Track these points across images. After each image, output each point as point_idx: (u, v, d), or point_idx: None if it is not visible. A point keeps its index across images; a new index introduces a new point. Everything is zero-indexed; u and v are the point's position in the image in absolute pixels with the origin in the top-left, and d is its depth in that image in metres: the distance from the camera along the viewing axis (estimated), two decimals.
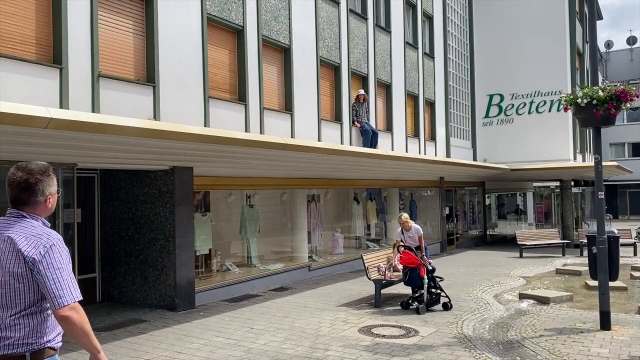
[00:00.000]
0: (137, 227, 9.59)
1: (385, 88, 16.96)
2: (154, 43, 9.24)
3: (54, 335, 2.56)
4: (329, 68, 14.19)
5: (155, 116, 9.18)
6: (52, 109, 6.36)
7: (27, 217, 2.57)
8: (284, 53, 12.59)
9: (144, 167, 9.15)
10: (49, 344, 2.52)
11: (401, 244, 9.68)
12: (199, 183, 9.72)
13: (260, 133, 11.47)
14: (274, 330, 7.68)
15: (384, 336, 7.34)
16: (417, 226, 10.10)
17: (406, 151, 17.67)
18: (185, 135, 8.03)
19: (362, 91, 14.94)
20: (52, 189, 2.65)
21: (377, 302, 9.37)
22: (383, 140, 16.45)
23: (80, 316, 2.46)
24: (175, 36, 9.63)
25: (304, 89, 12.97)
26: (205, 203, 10.93)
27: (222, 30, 10.90)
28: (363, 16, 15.68)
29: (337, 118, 14.39)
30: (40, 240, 2.49)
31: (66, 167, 7.98)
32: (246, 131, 11.13)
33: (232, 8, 10.92)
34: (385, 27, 16.88)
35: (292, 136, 12.42)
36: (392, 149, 16.78)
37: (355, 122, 14.76)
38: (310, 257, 13.26)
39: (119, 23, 8.87)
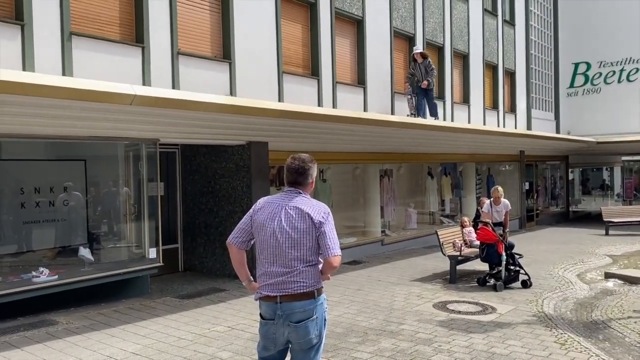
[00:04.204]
0: (215, 200, 9.94)
1: (462, 58, 16.35)
2: (229, 19, 9.39)
3: (321, 280, 3.42)
4: (403, 39, 13.85)
5: (232, 92, 9.39)
6: (136, 86, 6.67)
7: (302, 193, 3.41)
8: (357, 25, 12.41)
9: (222, 142, 9.41)
10: (321, 285, 3.39)
11: (480, 220, 9.45)
12: (274, 157, 9.87)
13: (333, 107, 11.45)
14: (348, 303, 7.76)
15: (459, 312, 7.23)
16: (507, 201, 9.94)
17: (484, 124, 17.06)
18: (262, 110, 8.20)
19: (417, 49, 12.97)
20: (315, 174, 3.51)
21: (452, 278, 9.21)
22: (459, 112, 15.95)
23: (339, 261, 3.31)
24: (250, 12, 9.73)
25: (377, 61, 12.76)
26: (280, 177, 11.11)
27: (295, 4, 10.89)
28: None
29: (412, 91, 14.05)
30: (320, 208, 3.35)
31: (149, 142, 8.35)
32: (319, 105, 11.15)
33: None
34: None
35: (365, 110, 12.31)
36: (469, 122, 16.25)
37: (406, 85, 13.11)
38: (383, 231, 13.21)
39: (196, 1, 9.07)
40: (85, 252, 7.96)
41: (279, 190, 10.77)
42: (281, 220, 3.30)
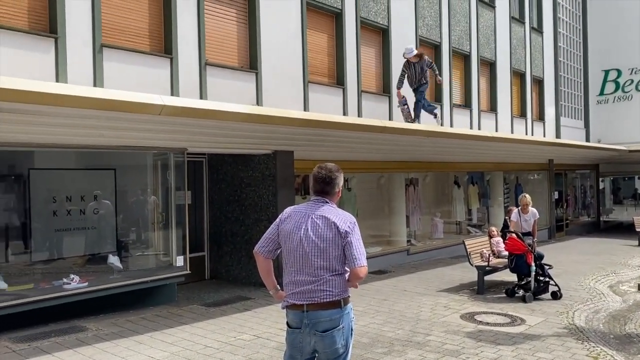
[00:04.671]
0: (242, 208, 10.00)
1: (489, 66, 16.20)
2: (256, 30, 9.50)
3: (348, 290, 3.41)
4: (429, 47, 13.80)
5: (258, 102, 9.47)
6: (164, 97, 6.79)
7: (328, 203, 3.41)
8: (382, 34, 12.42)
9: (248, 152, 9.49)
10: (348, 294, 3.38)
11: (507, 230, 9.31)
12: (299, 166, 9.91)
13: (358, 116, 11.45)
14: (374, 313, 7.71)
15: (487, 323, 7.10)
16: (535, 210, 9.72)
17: (512, 132, 16.84)
18: (288, 120, 8.24)
19: (409, 52, 11.44)
20: (341, 183, 3.51)
21: (480, 288, 9.07)
22: (487, 121, 15.78)
23: (366, 272, 3.29)
24: (276, 23, 9.82)
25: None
26: (305, 186, 11.13)
27: (321, 14, 10.95)
28: None
29: (437, 99, 13.99)
30: (346, 218, 3.34)
31: (177, 151, 8.46)
32: (344, 114, 11.17)
33: None
34: (489, 2, 16.08)
35: (390, 119, 12.28)
36: (497, 130, 16.06)
37: (399, 92, 11.67)
38: (408, 241, 13.11)
39: (224, 12, 9.22)
40: (114, 260, 8.09)
41: (304, 199, 10.80)
42: (307, 229, 3.31)
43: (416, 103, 11.76)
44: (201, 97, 8.56)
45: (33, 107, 6.02)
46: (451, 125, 14.19)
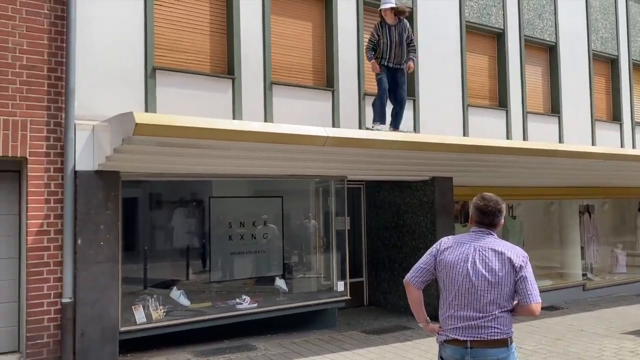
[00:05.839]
0: (399, 235, 9.95)
1: None
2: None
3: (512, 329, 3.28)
4: (603, 62, 12.61)
5: (415, 128, 9.43)
6: (328, 129, 7.10)
7: (493, 234, 3.33)
8: (549, 51, 11.65)
9: (405, 178, 9.46)
10: (512, 333, 3.24)
11: None
12: (459, 193, 9.60)
13: (523, 139, 10.81)
14: (546, 353, 7.08)
15: None
16: None
17: None
18: (446, 146, 8.06)
19: (385, 2, 8.05)
20: (504, 214, 3.41)
21: None
22: None
23: (540, 308, 3.18)
24: (435, 47, 9.74)
25: (573, 87, 11.79)
26: (464, 213, 10.75)
27: (481, 35, 10.63)
28: None
29: (615, 118, 12.67)
30: (519, 252, 3.25)
31: (337, 179, 8.76)
32: (507, 138, 10.62)
33: (492, 12, 10.57)
34: None
35: (560, 141, 11.38)
36: None
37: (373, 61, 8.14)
38: (584, 275, 11.89)
39: None
40: (280, 283, 8.54)
41: (464, 227, 10.40)
42: (475, 262, 3.19)
43: (400, 103, 8.38)
44: (360, 127, 8.77)
45: (215, 143, 6.66)
46: (633, 146, 12.71)
